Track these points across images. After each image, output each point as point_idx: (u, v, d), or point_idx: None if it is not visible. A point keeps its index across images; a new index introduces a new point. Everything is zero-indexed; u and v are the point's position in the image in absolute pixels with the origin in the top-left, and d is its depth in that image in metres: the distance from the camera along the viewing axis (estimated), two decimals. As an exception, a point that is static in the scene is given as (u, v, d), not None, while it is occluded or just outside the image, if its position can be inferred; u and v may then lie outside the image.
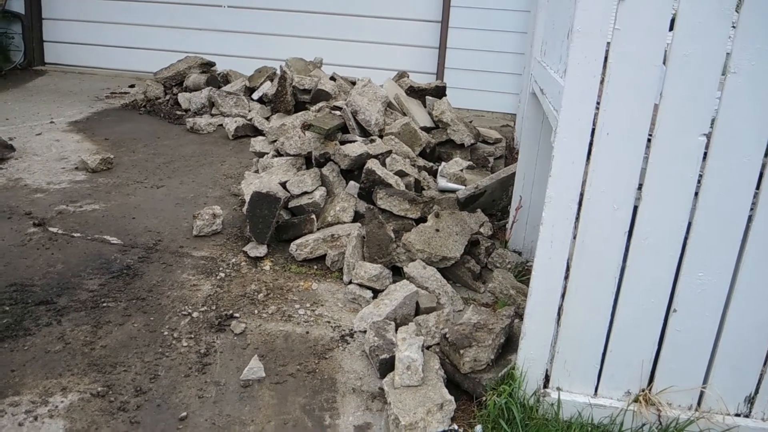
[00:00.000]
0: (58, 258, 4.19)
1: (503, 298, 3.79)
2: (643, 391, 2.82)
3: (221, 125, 7.11)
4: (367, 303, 3.68)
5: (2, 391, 2.97)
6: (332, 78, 7.03)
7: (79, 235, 4.52)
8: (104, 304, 3.67)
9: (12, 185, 5.42)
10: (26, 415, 2.84)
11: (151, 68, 8.77)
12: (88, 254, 4.25)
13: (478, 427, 2.82)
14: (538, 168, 4.33)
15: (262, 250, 4.24)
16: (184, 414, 2.88)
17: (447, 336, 3.03)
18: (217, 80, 7.98)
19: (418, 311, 3.58)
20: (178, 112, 7.68)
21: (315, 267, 4.20)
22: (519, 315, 3.34)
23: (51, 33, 10.49)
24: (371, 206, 4.37)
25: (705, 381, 2.80)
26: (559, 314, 2.76)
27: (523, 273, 4.16)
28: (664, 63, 2.44)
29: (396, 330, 3.26)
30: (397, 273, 3.99)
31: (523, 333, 2.79)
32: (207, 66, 8.36)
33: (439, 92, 6.49)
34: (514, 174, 4.65)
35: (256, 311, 3.66)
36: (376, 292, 3.80)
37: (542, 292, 2.73)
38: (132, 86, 9.08)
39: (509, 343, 3.11)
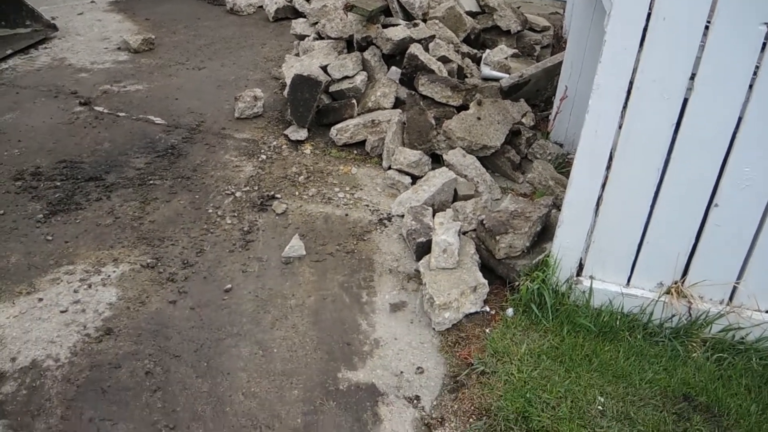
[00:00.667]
0: (104, 137, 4.28)
1: (542, 189, 3.79)
2: (675, 283, 2.85)
3: (261, 6, 6.98)
4: (406, 188, 3.72)
5: (58, 260, 3.14)
6: (375, -42, 6.76)
7: (124, 114, 4.59)
8: (151, 182, 3.78)
9: (57, 64, 5.47)
10: (80, 283, 3.01)
11: (190, -55, 8.52)
12: (133, 133, 4.34)
13: (510, 310, 2.91)
14: (587, 57, 4.19)
15: (302, 134, 4.27)
16: (229, 286, 3.02)
17: (484, 222, 3.07)
18: (257, -41, 7.74)
19: (456, 198, 3.61)
20: (218, -8, 7.53)
21: (355, 152, 4.23)
22: (557, 206, 3.35)
23: None
24: (413, 92, 4.32)
25: (739, 277, 2.81)
26: (597, 204, 2.76)
27: (563, 165, 4.13)
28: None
29: (433, 215, 3.31)
30: (437, 160, 4.00)
31: (561, 221, 2.81)
32: (246, -56, 8.08)
33: (487, -25, 6.21)
34: (560, 63, 4.51)
35: (296, 193, 3.74)
36: (414, 178, 3.83)
37: (583, 181, 2.72)
38: (171, -36, 8.87)
39: (545, 232, 3.14)
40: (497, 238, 2.97)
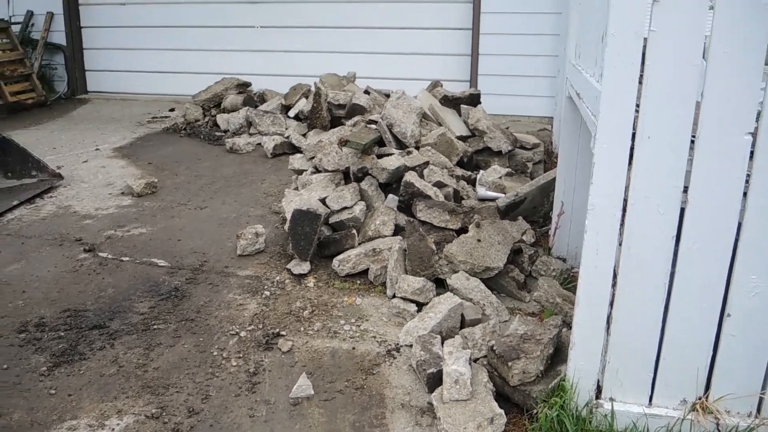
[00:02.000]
0: (108, 282, 4.29)
1: (550, 307, 3.75)
2: (699, 399, 2.75)
3: (260, 144, 7.22)
4: (412, 316, 3.68)
5: (61, 415, 3.05)
6: (366, 92, 7.08)
7: (127, 259, 4.63)
8: (155, 327, 3.75)
9: (62, 212, 5.58)
10: (84, 439, 2.91)
11: (189, 91, 8.96)
12: (137, 277, 4.35)
13: (531, 440, 2.79)
14: (578, 172, 4.28)
15: (305, 267, 4.28)
16: (237, 434, 2.91)
17: (494, 348, 3.01)
18: (254, 100, 8.11)
19: (464, 323, 3.56)
20: (218, 133, 7.82)
21: (358, 282, 4.22)
22: (567, 324, 3.30)
23: (92, 62, 10.81)
24: (411, 219, 4.38)
25: (763, 387, 2.71)
26: (608, 323, 2.71)
27: (569, 280, 4.11)
28: (704, 57, 2.39)
29: (442, 343, 3.25)
30: (441, 285, 3.98)
31: (572, 343, 2.76)
32: (243, 86, 8.51)
33: (474, 100, 6.48)
34: (554, 179, 4.60)
35: (302, 328, 3.69)
36: (420, 306, 3.80)
37: (589, 301, 2.69)
38: (172, 110, 9.28)
39: (558, 354, 3.07)
40: (509, 364, 2.90)
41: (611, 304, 2.69)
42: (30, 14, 10.75)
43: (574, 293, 2.78)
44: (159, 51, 10.28)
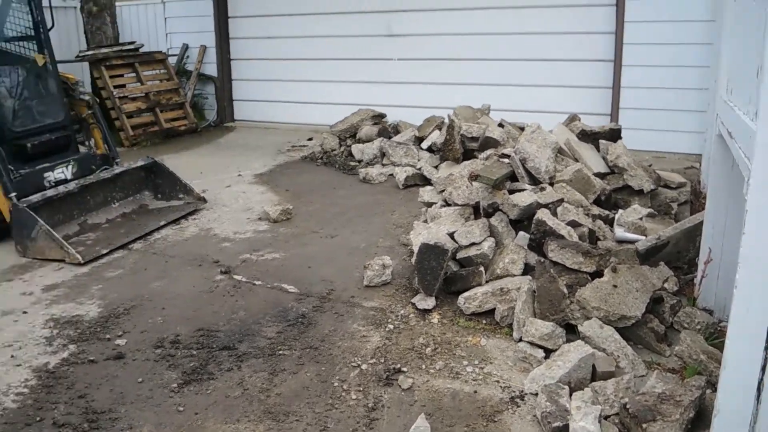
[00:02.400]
0: (240, 305, 4.45)
1: (692, 364, 3.44)
2: None
3: (392, 175, 7.29)
4: (539, 363, 3.51)
5: (187, 434, 3.16)
6: (500, 124, 6.98)
7: (260, 283, 4.79)
8: (280, 352, 3.82)
9: (204, 234, 5.89)
10: (208, 460, 2.99)
11: (328, 121, 9.25)
12: (267, 302, 4.48)
13: None
14: (729, 217, 3.94)
15: (430, 303, 4.23)
16: (352, 470, 2.88)
17: (627, 407, 2.80)
18: (388, 131, 8.23)
19: (595, 376, 3.35)
20: (352, 163, 8.00)
21: (484, 321, 4.10)
22: (711, 385, 3.01)
23: (239, 92, 11.47)
24: (542, 258, 4.21)
25: None
26: (759, 390, 2.43)
27: (715, 335, 3.77)
28: None
29: (570, 395, 3.07)
30: (571, 331, 3.78)
31: (716, 410, 2.50)
32: (378, 117, 8.68)
33: (614, 135, 6.19)
34: (701, 223, 4.27)
35: (423, 366, 3.63)
36: (548, 352, 3.62)
37: (738, 363, 2.43)
38: (310, 139, 9.62)
39: (700, 419, 2.81)
40: (644, 426, 2.67)
41: (763, 369, 2.42)
42: (185, 47, 11.61)
43: (721, 350, 2.53)
44: (300, 82, 10.74)
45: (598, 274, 4.06)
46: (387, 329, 4.03)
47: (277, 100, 11.08)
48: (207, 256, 5.33)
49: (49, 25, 6.41)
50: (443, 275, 4.26)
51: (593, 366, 3.34)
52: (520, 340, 3.77)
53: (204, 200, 6.70)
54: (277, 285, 4.73)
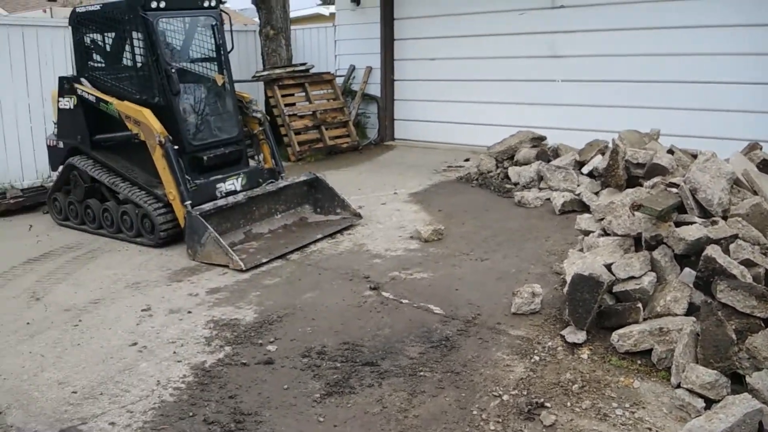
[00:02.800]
0: (386, 322, 4.50)
1: None
2: None
3: (548, 199, 7.07)
4: (698, 414, 3.21)
5: (326, 445, 3.23)
6: (670, 151, 6.55)
7: (407, 301, 4.81)
8: (421, 373, 3.81)
9: (356, 250, 6.05)
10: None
11: (485, 142, 9.18)
12: (412, 321, 4.49)
13: None
14: None
15: (580, 336, 4.02)
16: (486, 504, 2.79)
17: (802, 474, 2.47)
18: (547, 154, 8.00)
19: (764, 433, 3.00)
20: (507, 186, 7.87)
21: (638, 362, 3.82)
22: None
23: (400, 112, 11.73)
24: (709, 299, 3.86)
25: None
26: None
27: None
28: None
29: (733, 453, 2.77)
30: (737, 382, 3.42)
31: None
32: (537, 140, 8.47)
33: (803, 167, 5.58)
34: None
35: (568, 403, 3.45)
36: (709, 402, 3.30)
37: None
38: (467, 160, 9.60)
39: None
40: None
41: None
42: (352, 68, 12.07)
43: None
44: (460, 103, 10.77)
45: (774, 320, 3.65)
46: (532, 360, 3.88)
47: (436, 120, 11.19)
48: (358, 271, 5.45)
49: (229, 47, 6.93)
50: (596, 309, 4.04)
51: (760, 423, 3.00)
52: (678, 386, 3.47)
53: (359, 216, 6.88)
54: (423, 305, 4.73)
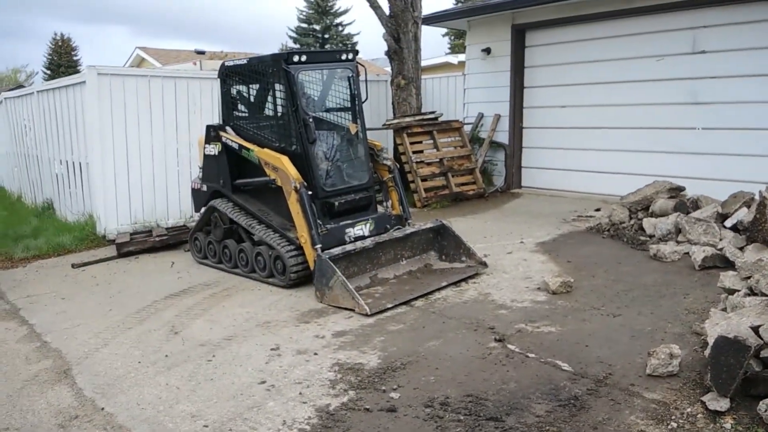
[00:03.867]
0: (511, 376, 4.38)
1: None
2: None
3: (687, 254, 6.69)
4: None
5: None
6: (828, 206, 6.01)
7: (533, 356, 4.68)
8: (548, 432, 3.67)
9: (481, 299, 5.98)
10: None
11: (617, 192, 8.87)
12: (539, 377, 4.35)
13: None
14: None
15: (723, 404, 3.72)
16: None
17: None
18: (686, 205, 7.60)
19: None
20: (642, 238, 7.53)
21: (791, 436, 3.49)
22: None
23: (528, 159, 11.61)
24: None
25: None
26: None
27: None
28: None
29: None
30: None
31: None
32: (676, 191, 8.07)
33: None
34: None
35: (711, 477, 3.19)
36: None
37: None
38: (597, 210, 9.30)
39: None
40: None
41: None
42: (480, 116, 12.12)
43: None
44: (591, 151, 10.51)
45: None
46: (669, 427, 3.64)
47: (564, 168, 10.98)
48: (483, 321, 5.38)
49: (363, 98, 7.19)
50: (742, 374, 3.74)
51: None
52: (840, 467, 3.13)
53: (485, 265, 6.81)
54: (550, 360, 4.58)
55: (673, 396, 3.96)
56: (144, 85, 9.38)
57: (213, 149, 7.59)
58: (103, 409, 4.26)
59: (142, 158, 9.47)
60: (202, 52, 25.10)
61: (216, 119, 9.05)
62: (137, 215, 9.53)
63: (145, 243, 8.65)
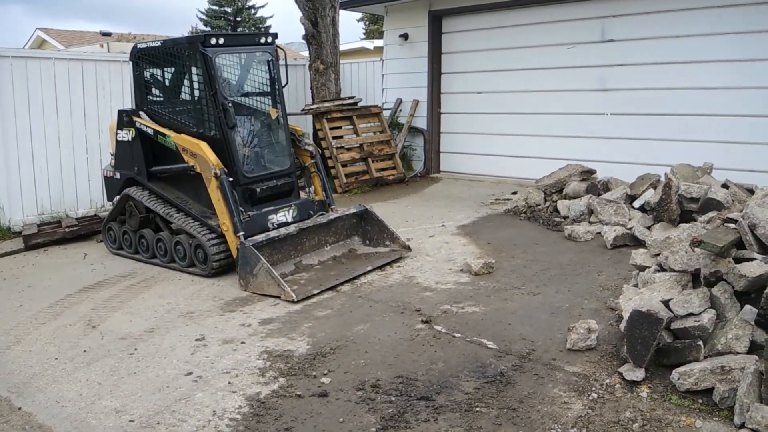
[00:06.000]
0: (439, 356, 4.48)
1: None
2: None
3: (599, 233, 7.00)
4: (767, 456, 3.12)
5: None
6: (724, 185, 6.45)
7: (459, 335, 4.79)
8: (477, 409, 3.78)
9: (407, 282, 6.06)
10: None
11: (533, 175, 9.17)
12: (466, 355, 4.47)
13: None
14: None
15: (639, 374, 3.94)
16: None
17: None
18: (597, 187, 7.94)
19: (839, 479, 2.89)
20: (557, 219, 7.82)
21: (699, 401, 3.73)
22: None
23: (446, 144, 11.80)
24: (774, 338, 3.76)
25: None
26: None
27: None
28: None
29: (808, 500, 2.67)
30: (809, 423, 3.32)
31: None
32: (587, 173, 8.41)
33: None
34: None
35: (630, 442, 3.38)
36: (779, 444, 3.21)
37: None
38: (514, 193, 9.57)
39: None
40: None
41: None
42: (399, 101, 12.21)
43: None
44: (507, 136, 10.80)
45: None
46: (590, 398, 3.82)
47: (482, 153, 11.23)
48: (409, 304, 5.46)
49: (283, 82, 7.10)
50: (655, 346, 3.97)
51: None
52: (742, 426, 3.38)
53: (408, 248, 6.90)
54: (476, 339, 4.70)
55: (593, 368, 4.16)
56: (48, 68, 8.90)
57: (126, 135, 7.32)
58: (20, 408, 4.06)
59: (48, 145, 8.99)
60: (108, 34, 24.03)
61: (128, 104, 8.72)
62: (44, 205, 9.07)
63: (54, 234, 8.25)
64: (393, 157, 11.42)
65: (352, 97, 11.85)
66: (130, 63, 7.38)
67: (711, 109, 8.61)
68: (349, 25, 62.14)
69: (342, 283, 6.07)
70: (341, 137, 11.15)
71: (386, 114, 12.00)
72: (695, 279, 4.52)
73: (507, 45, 10.67)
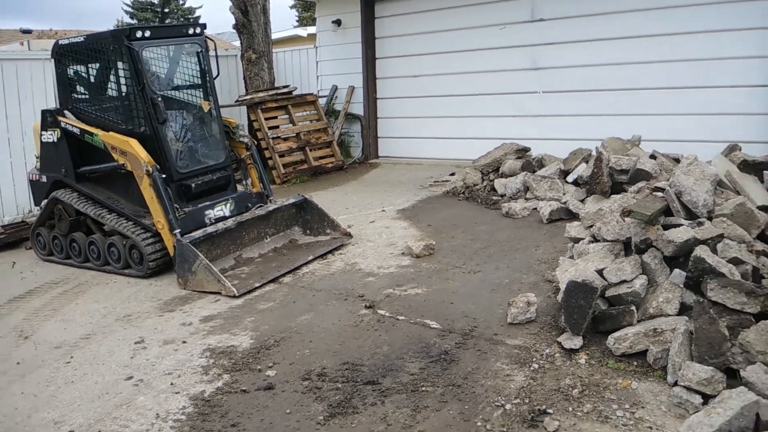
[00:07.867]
0: (384, 340, 4.50)
1: None
2: None
3: (535, 209, 7.14)
4: (696, 409, 3.25)
5: (332, 466, 3.22)
6: (652, 156, 6.65)
7: (403, 318, 4.82)
8: (423, 388, 3.81)
9: (349, 269, 6.06)
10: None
11: (470, 156, 9.26)
12: (410, 337, 4.50)
13: None
14: None
15: (577, 342, 4.05)
16: None
17: (806, 466, 2.50)
18: (532, 165, 8.08)
19: (759, 426, 3.04)
20: (494, 198, 7.93)
21: (635, 363, 3.86)
22: None
23: (384, 130, 11.81)
24: (700, 298, 3.91)
25: None
26: None
27: None
28: None
29: (736, 449, 2.80)
30: (732, 376, 3.46)
31: None
32: (522, 151, 8.56)
33: (782, 165, 5.68)
34: None
35: (570, 408, 3.47)
36: (706, 398, 3.34)
37: None
38: (452, 174, 9.66)
39: None
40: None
41: None
42: (334, 88, 12.14)
43: None
44: (443, 118, 10.87)
45: (763, 315, 3.70)
46: (531, 368, 3.91)
47: (420, 136, 11.28)
48: (352, 291, 5.46)
49: (214, 74, 6.96)
50: (591, 314, 4.08)
51: (757, 415, 3.04)
52: (675, 384, 3.52)
53: (350, 235, 6.90)
54: (419, 320, 4.74)
55: (533, 340, 4.26)
56: (-36, 70, 8.51)
57: (51, 136, 7.05)
58: (-49, 426, 3.91)
59: (-33, 151, 8.61)
60: (28, 31, 23.03)
61: (51, 103, 8.39)
62: (-34, 214, 8.69)
63: (-21, 244, 7.93)
64: (331, 145, 11.36)
65: (286, 86, 11.72)
66: (52, 60, 7.11)
67: (638, 83, 8.85)
68: (282, 12, 61.30)
69: (284, 275, 6.02)
70: (277, 127, 11.03)
71: (322, 102, 11.92)
72: (627, 247, 4.66)
73: (439, 28, 10.71)
